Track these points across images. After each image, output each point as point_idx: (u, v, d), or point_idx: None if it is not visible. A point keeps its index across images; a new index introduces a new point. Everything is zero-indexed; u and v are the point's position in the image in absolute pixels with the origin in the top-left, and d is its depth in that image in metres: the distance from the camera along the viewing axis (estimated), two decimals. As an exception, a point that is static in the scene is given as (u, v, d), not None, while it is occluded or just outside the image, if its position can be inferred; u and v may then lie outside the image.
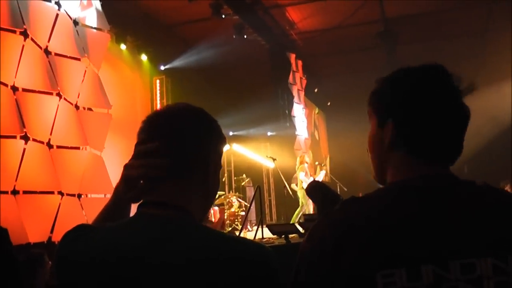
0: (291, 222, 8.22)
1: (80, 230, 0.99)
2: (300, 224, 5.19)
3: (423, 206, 0.87)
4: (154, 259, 0.87)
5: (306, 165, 10.07)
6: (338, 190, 10.80)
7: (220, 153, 1.09)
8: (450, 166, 0.98)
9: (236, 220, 9.98)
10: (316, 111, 16.47)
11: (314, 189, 2.98)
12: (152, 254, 0.88)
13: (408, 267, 0.80)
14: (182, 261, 0.86)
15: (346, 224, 0.87)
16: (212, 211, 9.58)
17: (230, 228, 9.48)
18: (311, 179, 9.78)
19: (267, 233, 5.03)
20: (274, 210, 13.70)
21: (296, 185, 10.24)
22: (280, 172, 10.02)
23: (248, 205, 8.76)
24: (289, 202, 11.12)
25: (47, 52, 6.19)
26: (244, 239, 0.98)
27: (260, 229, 5.79)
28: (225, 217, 9.64)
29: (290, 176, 10.52)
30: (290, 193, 10.20)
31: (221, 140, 1.09)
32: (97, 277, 0.89)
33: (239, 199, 10.49)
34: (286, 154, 12.10)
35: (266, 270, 0.89)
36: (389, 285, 0.80)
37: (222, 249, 0.88)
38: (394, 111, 0.97)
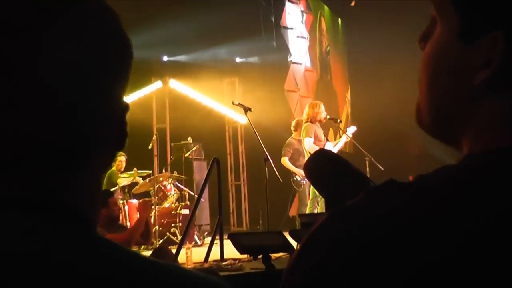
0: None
1: None
2: (292, 233, 5.11)
3: None
4: None
5: (317, 124, 9.71)
6: (367, 169, 10.62)
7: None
8: None
9: (174, 224, 10.18)
10: (327, 18, 15.96)
11: (320, 165, 3.10)
12: None
13: None
14: None
15: (377, 231, 0.79)
16: (126, 207, 9.95)
17: (160, 240, 9.64)
18: (330, 146, 9.51)
19: (231, 250, 5.03)
20: (245, 205, 13.94)
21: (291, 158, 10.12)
22: (257, 134, 9.13)
23: (197, 196, 8.59)
24: (275, 190, 10.26)
25: None
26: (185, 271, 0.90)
27: (217, 241, 5.98)
28: (152, 218, 9.34)
29: (278, 143, 10.24)
30: (277, 175, 9.27)
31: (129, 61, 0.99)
32: None
33: (178, 185, 10.91)
34: (272, 99, 11.91)
35: None
36: None
37: None
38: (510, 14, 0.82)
